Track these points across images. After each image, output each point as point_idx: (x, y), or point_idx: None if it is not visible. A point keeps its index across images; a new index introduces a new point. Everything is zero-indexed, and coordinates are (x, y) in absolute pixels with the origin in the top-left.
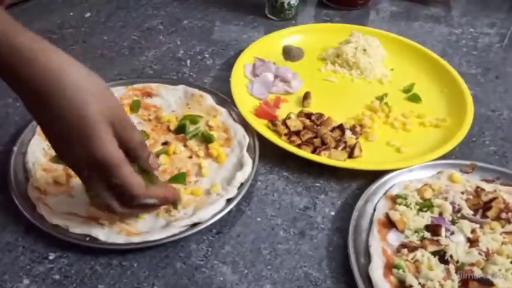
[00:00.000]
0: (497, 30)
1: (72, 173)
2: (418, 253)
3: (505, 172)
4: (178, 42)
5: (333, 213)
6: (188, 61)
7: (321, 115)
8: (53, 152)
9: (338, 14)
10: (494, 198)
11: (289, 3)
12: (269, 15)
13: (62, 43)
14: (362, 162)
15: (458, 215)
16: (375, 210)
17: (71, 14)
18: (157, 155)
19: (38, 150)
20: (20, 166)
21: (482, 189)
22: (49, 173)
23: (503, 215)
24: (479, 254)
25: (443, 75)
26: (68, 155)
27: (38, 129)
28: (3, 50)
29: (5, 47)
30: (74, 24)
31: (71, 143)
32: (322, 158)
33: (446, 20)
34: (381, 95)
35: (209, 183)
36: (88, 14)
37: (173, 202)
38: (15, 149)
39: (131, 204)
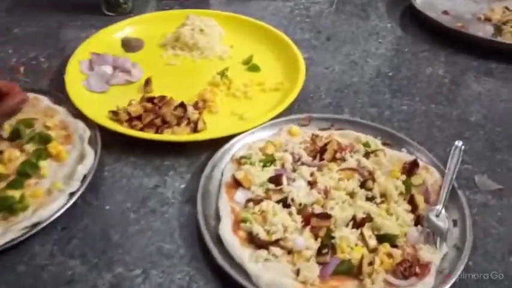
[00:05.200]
0: None
1: None
2: (264, 204)
3: (338, 118)
4: (10, 51)
5: (183, 185)
6: (22, 68)
7: (163, 97)
8: None
9: (177, 3)
10: (328, 142)
11: None
12: (107, 12)
13: None
14: (206, 134)
15: (299, 163)
16: (222, 174)
17: None
18: None
19: None
20: None
21: (317, 136)
22: None
23: (338, 155)
24: (319, 193)
25: (279, 44)
26: None
27: None
28: None
29: None
30: None
31: None
32: (165, 136)
33: None
34: (221, 70)
35: (50, 183)
36: None
37: None
38: None
39: None
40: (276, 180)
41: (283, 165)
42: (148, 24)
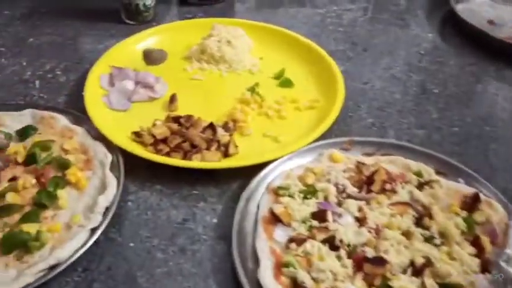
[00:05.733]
0: (359, 4)
1: None
2: (308, 245)
3: (383, 142)
4: (25, 63)
5: (214, 220)
6: (37, 82)
7: (189, 117)
8: None
9: (200, 9)
10: (375, 171)
11: (144, 5)
12: (127, 20)
13: None
14: (239, 160)
15: (344, 195)
16: (258, 207)
17: None
18: (3, 195)
19: None
20: None
21: (363, 164)
22: None
23: (388, 186)
24: (369, 232)
25: (312, 56)
26: None
27: None
28: None
29: None
30: None
31: None
32: (194, 163)
33: (309, 1)
34: (251, 85)
35: (69, 216)
36: None
37: None
38: None
39: None
40: (320, 216)
41: (326, 198)
42: (171, 34)
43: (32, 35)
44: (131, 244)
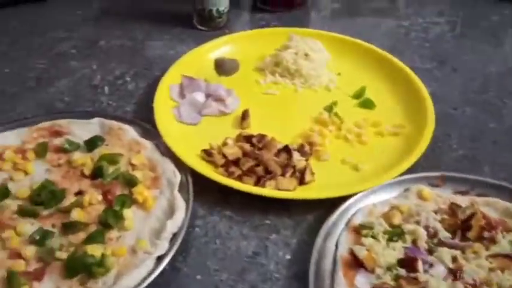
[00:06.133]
0: (447, 18)
1: None
2: None
3: (479, 180)
4: (95, 67)
5: (288, 256)
6: (106, 88)
7: (262, 137)
8: None
9: (274, 17)
10: (472, 215)
11: (218, 11)
12: (198, 26)
13: None
14: (316, 189)
15: (435, 240)
16: (337, 246)
17: None
18: (69, 210)
19: None
20: None
21: (458, 206)
22: None
23: (486, 234)
24: (466, 287)
25: (396, 75)
26: None
27: None
28: None
29: None
30: None
31: None
32: (268, 191)
33: (391, 12)
34: (329, 104)
35: (135, 238)
36: None
37: None
38: None
39: None
40: (409, 264)
41: (415, 242)
42: (244, 43)
43: (102, 38)
44: (198, 277)
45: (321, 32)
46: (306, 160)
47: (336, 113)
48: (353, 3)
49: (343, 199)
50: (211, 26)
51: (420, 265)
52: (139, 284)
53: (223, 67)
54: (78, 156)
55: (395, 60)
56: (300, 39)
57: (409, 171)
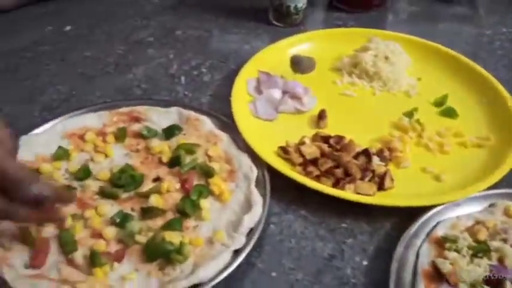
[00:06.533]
0: None
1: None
2: None
3: None
4: (171, 56)
5: (365, 262)
6: (182, 78)
7: (340, 138)
8: None
9: (351, 17)
10: None
11: (296, 7)
12: (273, 22)
13: (36, 63)
14: (395, 196)
15: None
16: (417, 257)
17: (49, 28)
18: (148, 195)
19: None
20: None
21: None
22: (15, 224)
23: None
24: None
25: (480, 84)
26: None
27: None
28: None
29: None
30: (52, 40)
31: None
32: (348, 194)
33: (472, 19)
34: (409, 110)
35: (211, 229)
36: (68, 28)
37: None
38: None
39: (17, 195)
40: (496, 284)
41: (501, 261)
42: (321, 42)
43: (179, 28)
44: (273, 274)
45: (401, 35)
46: (386, 166)
47: (418, 119)
48: (432, 7)
49: (423, 209)
50: (287, 22)
51: (509, 286)
52: (216, 276)
53: (299, 65)
54: (156, 143)
55: (480, 68)
56: (380, 41)
57: (494, 185)
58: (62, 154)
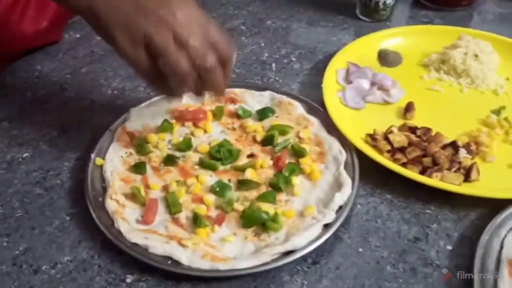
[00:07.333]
0: None
1: (151, 185)
2: None
3: None
4: (262, 44)
5: (449, 247)
6: (273, 65)
7: (427, 130)
8: (131, 161)
9: (438, 15)
10: None
11: (384, 3)
12: (360, 16)
13: None
14: (481, 188)
15: None
16: (501, 247)
17: None
18: (243, 169)
19: (116, 158)
20: (98, 175)
21: None
22: (128, 184)
23: None
24: None
25: None
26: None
27: (116, 135)
28: None
29: None
30: None
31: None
32: (434, 181)
33: None
34: (497, 108)
35: (302, 204)
36: None
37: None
38: (92, 156)
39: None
40: None
41: None
42: (408, 38)
43: (269, 18)
44: (360, 249)
45: (493, 35)
46: (472, 159)
47: (506, 117)
48: None
49: (508, 201)
50: (374, 17)
51: None
52: (307, 246)
53: (386, 59)
54: (250, 123)
55: None
56: (471, 39)
57: None
58: (166, 127)
